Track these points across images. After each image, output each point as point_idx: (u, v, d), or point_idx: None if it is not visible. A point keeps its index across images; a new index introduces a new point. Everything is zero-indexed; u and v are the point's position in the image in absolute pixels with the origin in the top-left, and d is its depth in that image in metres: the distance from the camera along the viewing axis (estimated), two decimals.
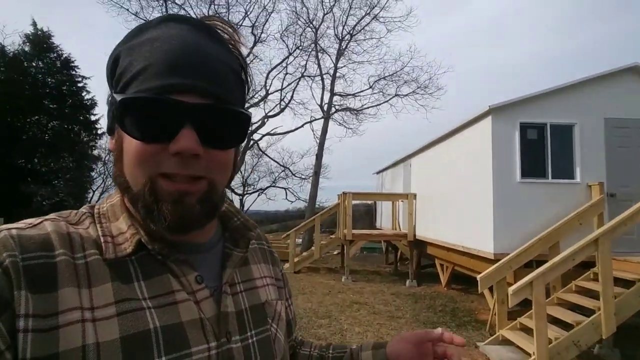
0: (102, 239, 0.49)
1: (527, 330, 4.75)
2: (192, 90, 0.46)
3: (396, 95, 15.63)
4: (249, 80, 0.57)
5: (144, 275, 0.48)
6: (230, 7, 14.20)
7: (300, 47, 15.29)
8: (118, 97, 0.46)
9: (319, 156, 15.11)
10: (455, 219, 7.20)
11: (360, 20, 14.91)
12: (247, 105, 0.51)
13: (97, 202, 0.57)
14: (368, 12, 14.61)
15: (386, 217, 13.16)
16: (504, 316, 5.08)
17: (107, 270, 0.46)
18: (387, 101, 15.90)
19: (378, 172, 16.41)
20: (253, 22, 14.20)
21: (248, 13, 14.28)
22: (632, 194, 5.38)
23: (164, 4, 13.73)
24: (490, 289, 5.56)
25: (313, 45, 14.86)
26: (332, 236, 11.53)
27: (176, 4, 14.09)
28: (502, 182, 5.75)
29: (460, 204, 7.08)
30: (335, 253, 13.51)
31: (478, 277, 5.11)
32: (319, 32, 14.64)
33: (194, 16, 0.52)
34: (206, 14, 14.73)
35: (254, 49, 14.60)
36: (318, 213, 11.90)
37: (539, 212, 5.61)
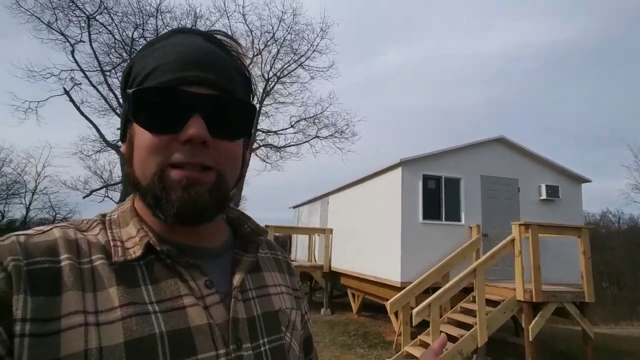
0: (111, 244, 0.49)
1: (425, 345, 5.76)
2: (201, 82, 0.48)
3: (317, 136, 16.96)
4: (252, 88, 0.59)
5: (151, 279, 0.47)
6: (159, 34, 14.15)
7: None
8: (130, 90, 0.48)
9: (240, 189, 15.41)
10: (368, 253, 8.23)
11: (287, 65, 16.16)
12: None
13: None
14: (296, 59, 15.93)
15: (301, 249, 13.83)
16: (407, 335, 6.05)
17: (113, 274, 0.46)
18: (307, 141, 17.14)
19: (295, 207, 17.19)
20: None
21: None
22: (499, 234, 6.98)
23: (87, 21, 13.16)
24: (396, 314, 6.55)
25: None
26: None
27: (98, 22, 13.60)
28: (408, 222, 6.96)
29: (372, 240, 8.15)
30: None
31: (387, 302, 6.05)
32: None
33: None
34: (130, 37, 14.45)
35: None
36: None
37: (435, 247, 6.91)
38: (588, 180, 8.02)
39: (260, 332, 0.54)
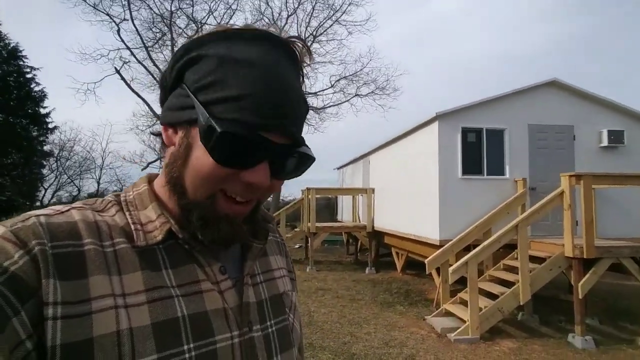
0: (132, 227, 0.50)
1: (465, 303, 5.66)
2: (279, 131, 0.47)
3: (356, 95, 16.50)
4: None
5: (171, 264, 0.49)
6: (195, 4, 14.28)
7: None
8: (218, 127, 0.44)
9: None
10: (408, 211, 8.09)
11: (323, 22, 15.57)
12: None
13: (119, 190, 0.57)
14: (330, 15, 15.29)
15: (347, 210, 13.95)
16: (447, 293, 5.98)
17: (137, 258, 0.47)
18: (347, 100, 16.76)
19: (339, 168, 17.20)
20: (218, 22, 14.37)
21: (212, 11, 14.45)
22: (549, 187, 6.43)
23: (127, 0, 13.55)
24: (438, 271, 6.46)
25: None
26: (296, 229, 12.12)
27: None
28: (446, 178, 6.65)
29: (411, 198, 7.96)
30: (296, 247, 14.08)
31: (426, 260, 5.97)
32: (282, 31, 15.08)
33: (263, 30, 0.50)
34: (168, 9, 14.69)
35: None
36: (283, 208, 12.42)
37: (476, 203, 6.58)
38: None
39: (268, 314, 0.57)
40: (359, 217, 12.14)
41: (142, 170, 16.90)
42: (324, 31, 15.83)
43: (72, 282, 0.42)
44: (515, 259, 6.01)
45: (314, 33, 15.72)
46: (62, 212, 0.47)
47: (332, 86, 16.65)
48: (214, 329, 0.49)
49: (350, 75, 16.40)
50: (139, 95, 15.48)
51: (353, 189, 12.54)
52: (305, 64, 0.54)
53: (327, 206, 18.27)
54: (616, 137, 6.75)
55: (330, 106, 16.89)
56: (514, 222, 5.36)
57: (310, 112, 16.79)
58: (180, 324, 0.46)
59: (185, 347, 0.45)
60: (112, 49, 15.11)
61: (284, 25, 15.50)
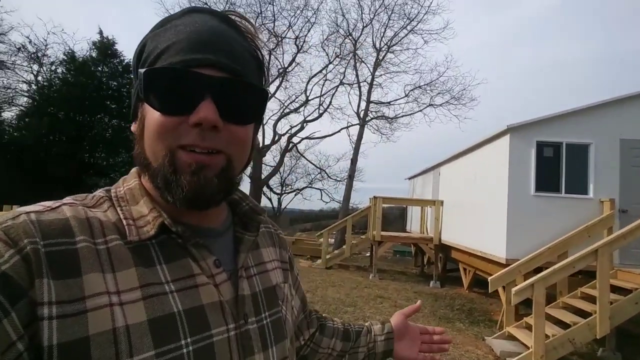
0: (124, 222, 0.49)
1: (531, 328, 5.27)
2: (213, 65, 0.47)
3: (430, 105, 16.07)
4: (265, 71, 0.58)
5: (165, 259, 0.49)
6: (276, 20, 15.30)
7: (339, 56, 16.16)
8: (142, 70, 0.48)
9: (354, 161, 15.87)
10: (476, 226, 7.74)
11: (398, 32, 15.53)
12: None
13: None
14: (405, 25, 15.20)
15: (416, 221, 13.66)
16: (511, 315, 5.61)
17: (130, 254, 0.47)
18: (420, 110, 16.39)
19: (410, 178, 16.88)
20: (297, 34, 15.24)
21: (292, 25, 15.34)
22: None
23: None
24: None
25: (352, 54, 15.68)
26: (363, 237, 12.20)
27: None
28: (516, 194, 6.26)
29: (479, 213, 7.61)
30: (367, 255, 14.15)
31: (489, 278, 5.69)
32: (357, 42, 15.43)
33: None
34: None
35: (296, 57, 15.76)
36: (351, 214, 12.60)
37: (552, 223, 6.08)
38: None
39: (262, 307, 0.58)
40: (427, 229, 11.83)
41: None
42: (399, 41, 15.76)
43: (66, 281, 0.41)
44: (596, 288, 5.44)
45: (389, 43, 15.74)
46: (53, 209, 0.46)
47: (406, 96, 16.46)
48: (210, 322, 0.49)
49: (425, 84, 16.06)
50: None
51: (421, 200, 12.26)
52: (248, 32, 0.55)
53: (401, 216, 18.01)
54: None
55: (402, 116, 16.70)
56: (593, 246, 4.87)
57: (382, 121, 16.94)
58: (177, 318, 0.46)
59: (183, 341, 0.45)
60: None
61: (359, 36, 15.78)
